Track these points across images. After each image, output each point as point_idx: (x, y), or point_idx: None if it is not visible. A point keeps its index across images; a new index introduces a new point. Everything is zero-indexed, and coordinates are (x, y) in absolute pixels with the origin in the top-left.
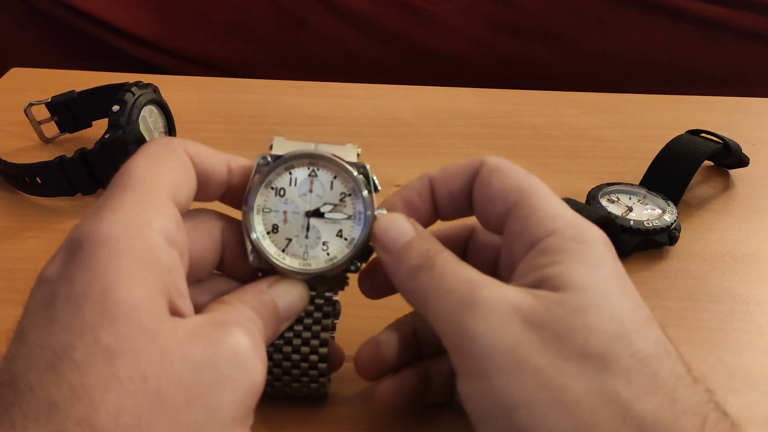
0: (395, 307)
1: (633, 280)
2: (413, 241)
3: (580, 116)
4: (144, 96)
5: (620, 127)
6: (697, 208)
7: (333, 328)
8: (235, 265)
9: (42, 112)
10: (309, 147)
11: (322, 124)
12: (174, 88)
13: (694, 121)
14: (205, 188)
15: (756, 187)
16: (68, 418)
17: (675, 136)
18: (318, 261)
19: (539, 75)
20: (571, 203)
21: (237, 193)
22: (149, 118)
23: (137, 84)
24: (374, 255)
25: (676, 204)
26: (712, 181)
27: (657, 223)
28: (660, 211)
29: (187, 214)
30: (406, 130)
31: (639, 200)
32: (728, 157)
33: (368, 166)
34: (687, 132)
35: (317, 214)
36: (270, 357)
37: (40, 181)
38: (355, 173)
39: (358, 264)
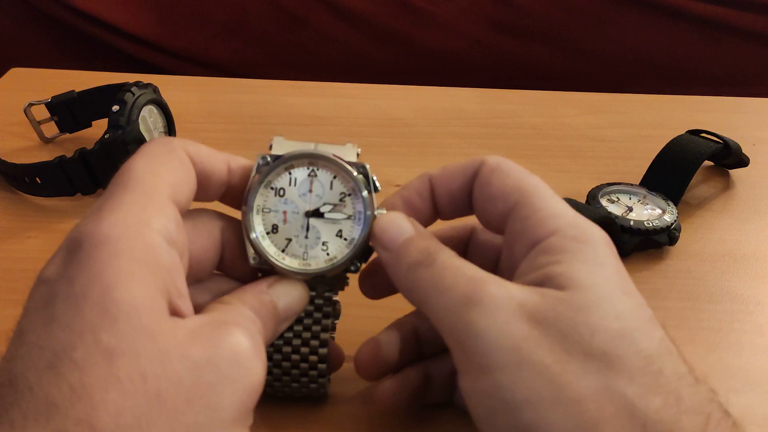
0: (395, 307)
1: (633, 280)
2: (413, 239)
3: (580, 116)
4: (144, 96)
5: (620, 127)
6: (697, 208)
7: (333, 329)
8: (235, 265)
9: (42, 112)
10: (309, 147)
11: (322, 124)
12: (174, 88)
13: (694, 121)
14: (205, 188)
15: (756, 187)
16: (68, 418)
17: (675, 136)
18: (318, 261)
19: (539, 75)
20: (571, 203)
21: (237, 193)
22: (149, 118)
23: (137, 84)
24: (374, 255)
25: (676, 204)
26: (712, 181)
27: (657, 223)
28: (660, 211)
29: (187, 214)
30: (406, 130)
31: (639, 200)
32: (728, 157)
33: (368, 166)
34: (687, 132)
35: (317, 214)
36: (270, 357)
37: (40, 181)
38: (355, 173)
39: (358, 264)
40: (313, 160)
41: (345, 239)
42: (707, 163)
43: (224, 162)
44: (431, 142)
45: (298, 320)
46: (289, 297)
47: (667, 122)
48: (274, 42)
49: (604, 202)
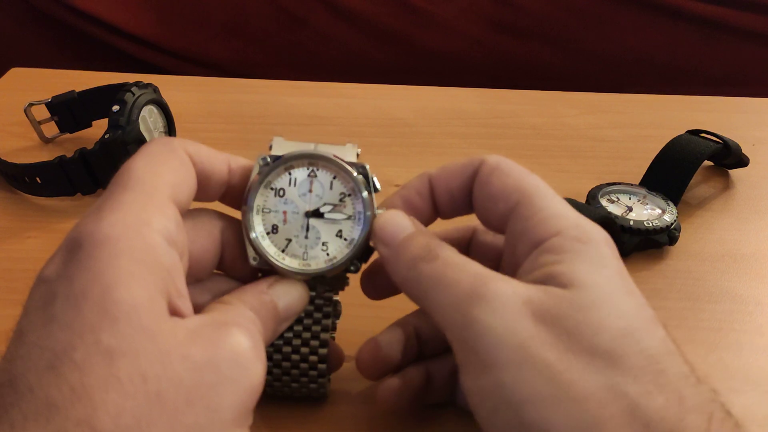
0: (396, 307)
1: (633, 280)
2: (413, 235)
3: (580, 116)
4: (144, 96)
5: (620, 127)
6: (697, 208)
7: (334, 328)
8: (235, 265)
9: (42, 112)
10: (308, 147)
11: (322, 124)
12: (174, 88)
13: (694, 121)
14: (205, 188)
15: (756, 187)
16: (68, 419)
17: (675, 136)
18: (318, 261)
19: (539, 75)
20: (571, 203)
21: (237, 193)
22: (149, 118)
23: (137, 84)
24: (375, 256)
25: (676, 204)
26: (712, 181)
27: (657, 223)
28: (660, 211)
29: (187, 213)
30: (406, 130)
31: (639, 200)
32: (728, 157)
33: (368, 166)
34: (687, 132)
35: (317, 214)
36: (270, 357)
37: (40, 181)
38: (355, 173)
39: (358, 264)
40: (312, 160)
41: (345, 239)
42: (707, 163)
43: (224, 162)
44: (431, 142)
45: (298, 320)
46: (289, 297)
47: (667, 122)
48: (274, 42)
49: (604, 202)
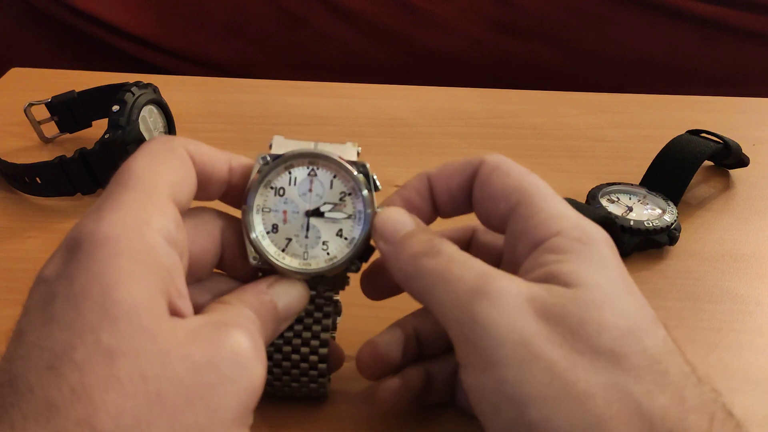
0: (396, 307)
1: (633, 280)
2: (414, 232)
3: (580, 116)
4: (144, 96)
5: (620, 127)
6: (697, 208)
7: (334, 328)
8: (235, 265)
9: (42, 112)
10: (308, 146)
11: (322, 124)
12: (174, 88)
13: (694, 121)
14: (205, 187)
15: (756, 187)
16: (68, 419)
17: (675, 136)
18: (318, 261)
19: (539, 75)
20: (571, 203)
21: (238, 192)
22: (149, 118)
23: (137, 84)
24: (375, 256)
25: (676, 204)
26: (712, 181)
27: (657, 223)
28: (660, 211)
29: (187, 213)
30: (406, 130)
31: (639, 200)
32: (728, 157)
33: (368, 165)
34: (687, 132)
35: (317, 213)
36: (270, 357)
37: (40, 181)
38: (355, 172)
39: (359, 264)
40: (313, 159)
41: (345, 239)
42: (707, 163)
43: (225, 161)
44: (431, 142)
45: (299, 320)
46: (289, 297)
47: (667, 122)
48: (274, 42)
49: (604, 202)
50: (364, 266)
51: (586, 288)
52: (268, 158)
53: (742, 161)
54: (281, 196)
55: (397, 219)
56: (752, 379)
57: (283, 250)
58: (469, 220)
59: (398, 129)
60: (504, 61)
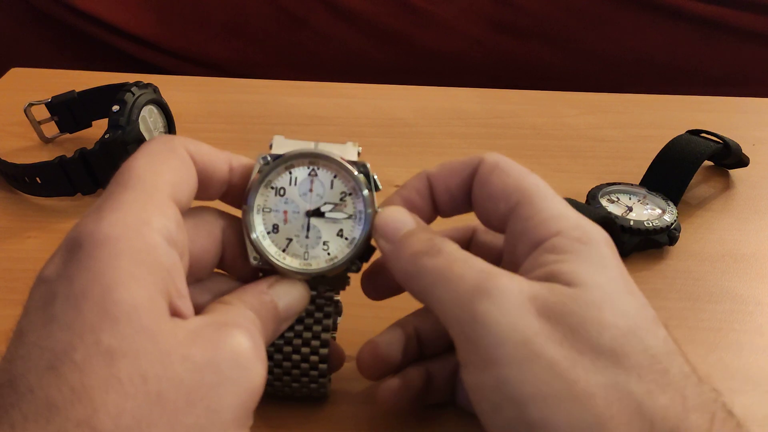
0: (396, 307)
1: (633, 280)
2: (415, 231)
3: (580, 116)
4: (144, 96)
5: (620, 127)
6: (697, 208)
7: (335, 328)
8: (236, 265)
9: (42, 112)
10: (309, 146)
11: (322, 124)
12: (174, 88)
13: (694, 121)
14: (206, 187)
15: (756, 187)
16: (68, 420)
17: (675, 136)
18: (318, 261)
19: (539, 75)
20: (571, 203)
21: (238, 192)
22: (149, 118)
23: (137, 84)
24: (375, 256)
25: (676, 204)
26: (712, 181)
27: (657, 223)
28: (660, 211)
29: (187, 212)
30: (406, 130)
31: (639, 200)
32: (728, 157)
33: (369, 165)
34: (687, 132)
35: (318, 213)
36: (270, 357)
37: (40, 181)
38: (356, 172)
39: (359, 264)
40: (313, 159)
41: (346, 239)
42: (707, 163)
43: (225, 161)
44: (431, 142)
45: (299, 320)
46: (290, 297)
47: (667, 122)
48: (274, 42)
49: (604, 202)
50: (365, 266)
51: (586, 288)
52: (269, 158)
53: (742, 161)
54: (282, 196)
55: (398, 218)
56: (752, 379)
57: (283, 251)
58: (469, 220)
59: (398, 129)
60: (504, 61)
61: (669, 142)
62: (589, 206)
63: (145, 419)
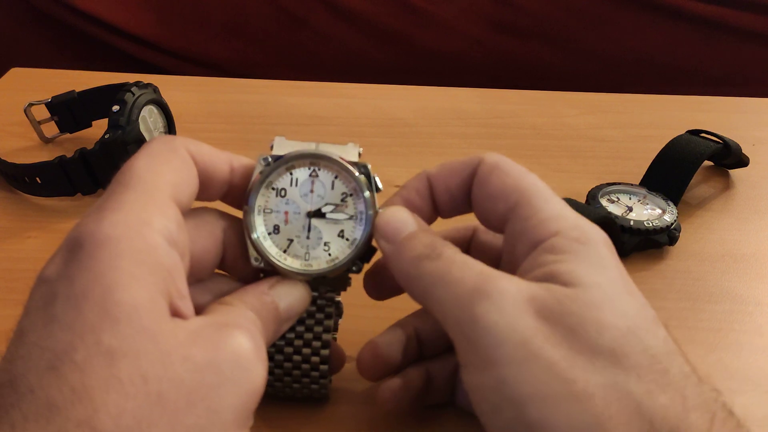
0: (397, 307)
1: (633, 280)
2: (416, 233)
3: (580, 116)
4: (144, 96)
5: (620, 127)
6: (697, 208)
7: (335, 329)
8: (237, 265)
9: (42, 112)
10: (310, 147)
11: (322, 124)
12: (174, 88)
13: (694, 121)
14: (206, 188)
15: (756, 187)
16: (68, 420)
17: (675, 136)
18: (319, 262)
19: (539, 75)
20: (571, 203)
21: (239, 192)
22: (149, 118)
23: (137, 84)
24: (376, 257)
25: (676, 204)
26: (712, 181)
27: (657, 223)
28: (660, 211)
29: (188, 213)
30: (406, 130)
31: (639, 200)
32: (728, 157)
33: (370, 166)
34: (687, 132)
35: (318, 214)
36: (271, 357)
37: (40, 181)
38: (357, 173)
39: (360, 264)
40: (314, 160)
41: (347, 239)
42: (707, 163)
43: (226, 161)
44: (431, 142)
45: (300, 321)
46: (291, 298)
47: (667, 122)
48: (274, 42)
49: (604, 202)
50: (366, 267)
51: (585, 288)
52: (270, 159)
53: (742, 161)
54: (283, 197)
55: (399, 218)
56: (752, 379)
57: (284, 251)
58: (469, 220)
59: (398, 129)
60: (504, 61)
61: (669, 142)
62: (589, 206)
63: (145, 419)
